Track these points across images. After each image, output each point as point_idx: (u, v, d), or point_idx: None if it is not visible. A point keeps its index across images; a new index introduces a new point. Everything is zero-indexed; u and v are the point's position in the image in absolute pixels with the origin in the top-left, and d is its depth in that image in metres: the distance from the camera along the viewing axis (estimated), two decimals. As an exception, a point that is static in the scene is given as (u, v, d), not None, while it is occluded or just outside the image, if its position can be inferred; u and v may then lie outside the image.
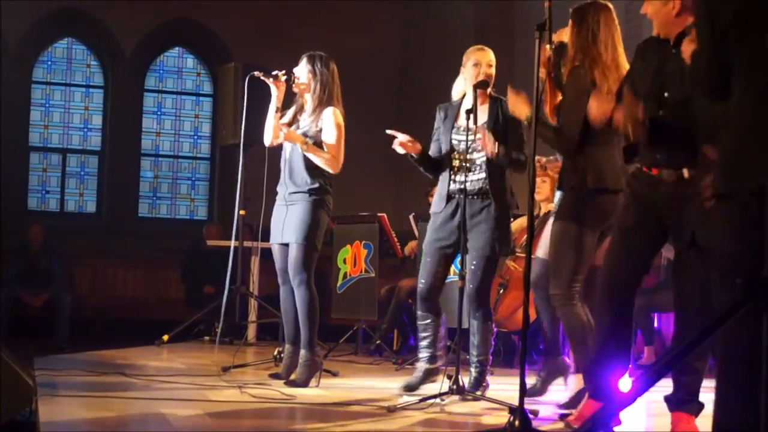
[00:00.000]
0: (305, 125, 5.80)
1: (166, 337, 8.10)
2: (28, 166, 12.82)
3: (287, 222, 5.75)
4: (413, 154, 5.45)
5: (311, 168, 5.74)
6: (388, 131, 5.44)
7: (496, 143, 5.22)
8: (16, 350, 5.43)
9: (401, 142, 5.40)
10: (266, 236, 7.35)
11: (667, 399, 4.25)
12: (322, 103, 5.78)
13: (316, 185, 5.72)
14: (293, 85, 5.84)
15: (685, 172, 4.16)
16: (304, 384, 5.60)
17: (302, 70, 5.85)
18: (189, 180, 13.57)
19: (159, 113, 13.46)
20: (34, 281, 10.25)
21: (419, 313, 5.52)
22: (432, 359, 5.48)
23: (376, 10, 13.25)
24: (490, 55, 5.45)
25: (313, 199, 5.70)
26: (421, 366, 5.48)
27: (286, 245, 5.78)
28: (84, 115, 13.16)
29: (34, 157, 12.92)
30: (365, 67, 12.42)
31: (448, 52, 12.06)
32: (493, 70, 5.41)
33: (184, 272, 11.15)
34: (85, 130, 13.16)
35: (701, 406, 4.25)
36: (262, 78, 5.87)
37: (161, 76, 13.51)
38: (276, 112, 5.81)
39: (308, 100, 5.85)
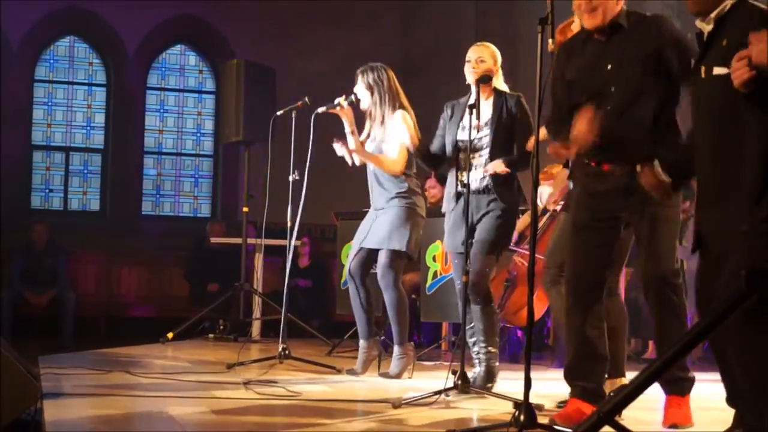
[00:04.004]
0: (377, 135, 6.00)
1: (170, 335, 8.10)
2: (32, 165, 12.82)
3: (374, 227, 5.97)
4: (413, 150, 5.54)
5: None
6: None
7: (502, 163, 5.25)
8: (20, 349, 5.43)
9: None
10: (269, 234, 7.35)
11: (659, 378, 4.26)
12: (388, 113, 5.96)
13: (404, 187, 5.91)
14: (358, 105, 6.03)
15: (637, 168, 4.14)
16: (398, 376, 5.94)
17: (360, 88, 6.02)
18: (192, 177, 13.56)
19: (161, 111, 13.45)
20: (38, 280, 10.26)
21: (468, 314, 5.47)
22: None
23: (378, 8, 13.23)
24: (482, 51, 5.46)
25: (402, 204, 5.89)
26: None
27: (362, 248, 6.03)
28: (87, 113, 13.16)
29: (37, 155, 12.93)
30: (367, 62, 12.40)
31: (450, 50, 12.08)
32: (486, 65, 5.40)
33: (188, 270, 11.15)
34: (88, 128, 13.16)
35: (692, 380, 4.31)
36: (327, 111, 6.04)
37: (163, 74, 13.50)
38: (352, 134, 6.00)
39: (375, 113, 6.00)
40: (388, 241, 5.89)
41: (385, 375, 5.99)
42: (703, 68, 3.53)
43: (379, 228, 5.94)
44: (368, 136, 6.08)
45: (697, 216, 3.64)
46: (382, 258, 5.92)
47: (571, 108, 4.30)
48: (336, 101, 6.01)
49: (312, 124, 6.03)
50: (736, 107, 3.38)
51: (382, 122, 5.96)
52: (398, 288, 5.96)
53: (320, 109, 6.07)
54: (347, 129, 6.00)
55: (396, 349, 6.02)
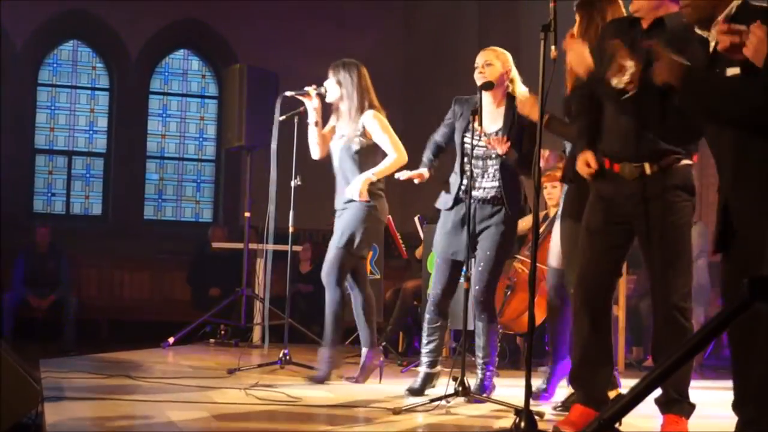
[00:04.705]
0: (344, 132, 5.95)
1: (171, 340, 8.10)
2: (34, 169, 12.84)
3: (336, 228, 5.93)
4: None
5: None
6: (401, 177, 5.50)
7: (508, 144, 5.19)
8: (22, 352, 5.43)
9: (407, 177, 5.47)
10: (271, 239, 7.35)
11: (657, 401, 4.22)
12: (355, 109, 5.92)
13: (371, 190, 5.86)
14: (325, 98, 6.01)
15: (647, 168, 4.13)
16: (322, 381, 5.86)
17: (330, 82, 6.00)
18: (194, 182, 13.58)
19: (164, 115, 13.47)
20: (40, 283, 10.25)
21: (429, 316, 5.53)
22: (433, 364, 5.52)
23: (380, 11, 13.26)
24: (488, 55, 5.42)
25: (363, 206, 5.84)
26: (423, 369, 5.51)
27: None
28: (89, 117, 13.18)
29: (40, 159, 12.95)
30: (369, 67, 12.41)
31: (451, 52, 12.10)
32: (493, 69, 5.36)
33: (189, 274, 11.15)
34: (91, 132, 13.17)
35: (692, 406, 4.22)
36: (295, 96, 6.05)
37: (166, 79, 13.52)
38: (315, 125, 6.00)
39: (342, 109, 5.97)
40: (339, 239, 5.84)
41: (311, 378, 5.92)
42: (716, 72, 3.53)
43: (338, 227, 5.91)
44: (333, 130, 6.06)
45: (721, 216, 3.62)
46: (330, 255, 5.85)
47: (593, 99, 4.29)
48: (305, 89, 6.03)
49: (278, 106, 6.07)
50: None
51: (350, 118, 5.92)
52: (341, 288, 5.84)
53: (288, 93, 6.13)
54: (311, 119, 6.00)
55: (323, 351, 5.96)
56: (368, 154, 5.91)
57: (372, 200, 5.85)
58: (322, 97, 6.01)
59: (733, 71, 3.43)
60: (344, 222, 5.86)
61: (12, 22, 12.06)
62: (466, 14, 12.50)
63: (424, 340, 5.57)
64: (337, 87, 5.96)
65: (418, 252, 8.63)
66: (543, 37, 3.99)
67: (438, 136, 5.57)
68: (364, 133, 5.88)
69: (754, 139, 3.45)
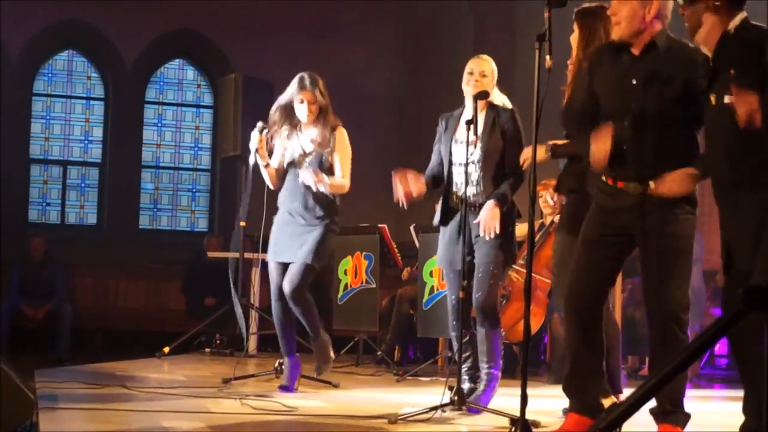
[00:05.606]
0: (310, 144, 5.89)
1: (166, 349, 8.09)
2: (29, 179, 12.83)
3: (297, 243, 5.87)
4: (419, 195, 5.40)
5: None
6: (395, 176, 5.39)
7: (496, 209, 5.18)
8: (16, 362, 5.42)
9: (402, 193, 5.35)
10: (267, 248, 7.35)
11: (652, 412, 4.21)
12: (327, 118, 5.90)
13: (334, 206, 5.92)
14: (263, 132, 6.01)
15: (651, 185, 4.14)
16: (326, 363, 6.00)
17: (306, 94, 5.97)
18: (189, 192, 13.57)
19: (159, 125, 13.47)
20: (35, 293, 10.24)
21: (454, 334, 5.44)
22: (473, 380, 5.45)
23: (375, 21, 13.27)
24: (484, 65, 5.39)
25: (330, 225, 5.91)
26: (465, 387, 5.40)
27: (286, 264, 5.90)
28: (85, 127, 13.18)
29: (35, 169, 12.94)
30: (365, 76, 12.44)
31: (448, 61, 12.11)
32: (487, 80, 5.34)
33: (184, 284, 11.13)
34: (86, 142, 13.17)
35: (687, 416, 4.22)
36: (256, 160, 6.08)
37: (161, 88, 13.52)
38: (266, 167, 6.02)
39: (317, 118, 5.93)
40: (308, 256, 5.81)
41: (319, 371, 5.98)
42: (712, 96, 3.54)
43: (304, 244, 5.86)
44: (289, 138, 6.00)
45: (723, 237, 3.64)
46: (297, 270, 5.82)
47: (593, 116, 4.30)
48: (253, 139, 5.99)
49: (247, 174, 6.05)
50: (749, 135, 3.41)
51: (323, 128, 5.89)
52: (306, 298, 5.86)
53: (251, 160, 6.14)
54: (262, 163, 5.99)
55: (315, 344, 5.98)
56: (331, 167, 5.91)
57: (336, 217, 5.93)
58: (260, 132, 5.99)
59: (730, 99, 3.45)
60: (314, 241, 5.83)
61: (7, 32, 12.06)
62: (461, 24, 12.53)
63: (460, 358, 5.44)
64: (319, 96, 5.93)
65: (405, 274, 8.66)
66: (538, 46, 4.00)
67: (433, 163, 5.54)
68: (334, 149, 5.89)
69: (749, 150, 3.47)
